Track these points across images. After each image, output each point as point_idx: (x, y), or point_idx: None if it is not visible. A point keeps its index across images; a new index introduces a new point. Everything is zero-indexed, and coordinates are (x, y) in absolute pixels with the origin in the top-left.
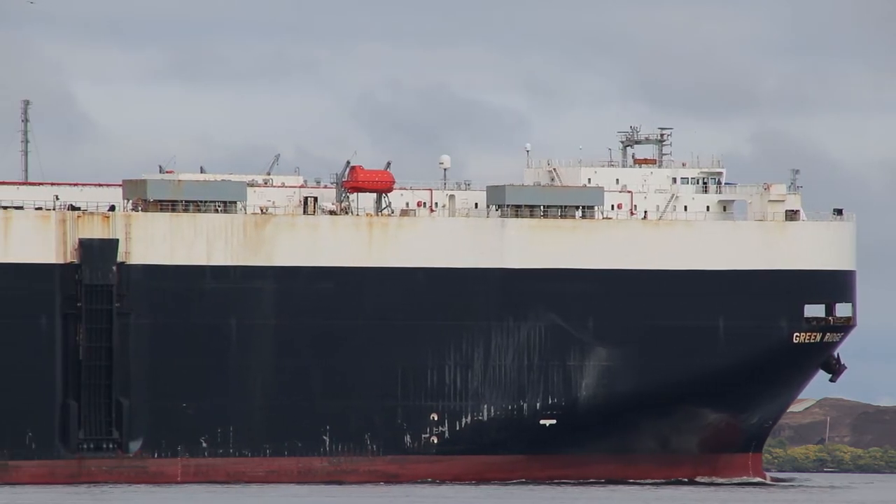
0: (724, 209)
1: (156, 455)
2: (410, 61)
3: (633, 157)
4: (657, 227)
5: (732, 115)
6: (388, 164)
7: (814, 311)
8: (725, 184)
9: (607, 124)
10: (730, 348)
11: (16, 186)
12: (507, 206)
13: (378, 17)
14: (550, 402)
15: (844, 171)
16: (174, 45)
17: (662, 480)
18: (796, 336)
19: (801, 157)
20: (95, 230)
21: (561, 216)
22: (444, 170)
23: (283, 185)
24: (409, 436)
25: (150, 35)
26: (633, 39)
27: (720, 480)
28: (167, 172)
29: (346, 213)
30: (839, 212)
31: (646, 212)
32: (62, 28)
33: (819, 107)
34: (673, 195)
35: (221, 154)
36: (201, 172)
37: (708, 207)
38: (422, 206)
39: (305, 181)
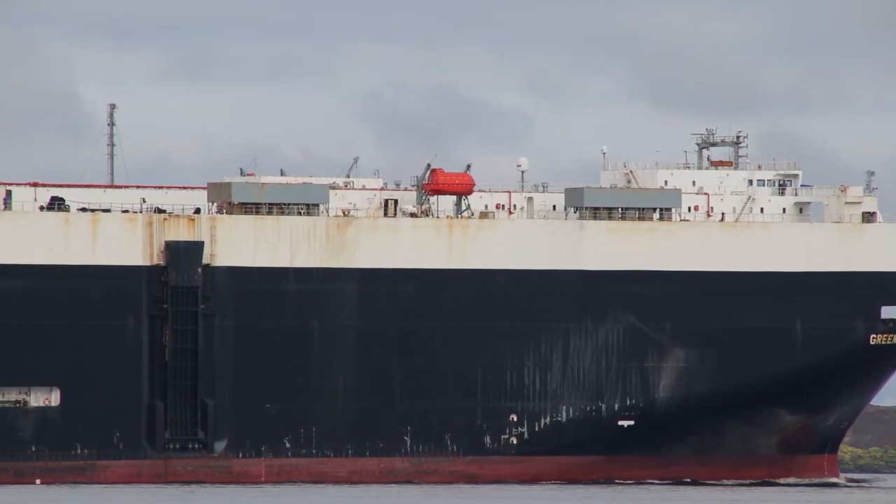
0: (801, 211)
1: (240, 455)
2: (414, 61)
3: (708, 158)
4: (734, 229)
5: (737, 114)
6: (469, 166)
7: (891, 312)
8: (801, 186)
9: (611, 124)
10: (806, 350)
11: (102, 189)
12: (586, 208)
13: (380, 17)
14: (628, 403)
15: (848, 172)
16: (177, 46)
17: (741, 481)
18: (873, 338)
19: (806, 156)
20: (181, 232)
21: (639, 218)
22: (522, 172)
23: (363, 188)
24: (488, 436)
25: (154, 35)
26: (637, 39)
27: (800, 481)
28: (248, 175)
29: (427, 215)
30: None
31: (723, 214)
32: (67, 28)
33: (825, 107)
34: (749, 197)
35: (225, 154)
36: (281, 175)
37: (784, 209)
38: (500, 209)
39: (385, 184)
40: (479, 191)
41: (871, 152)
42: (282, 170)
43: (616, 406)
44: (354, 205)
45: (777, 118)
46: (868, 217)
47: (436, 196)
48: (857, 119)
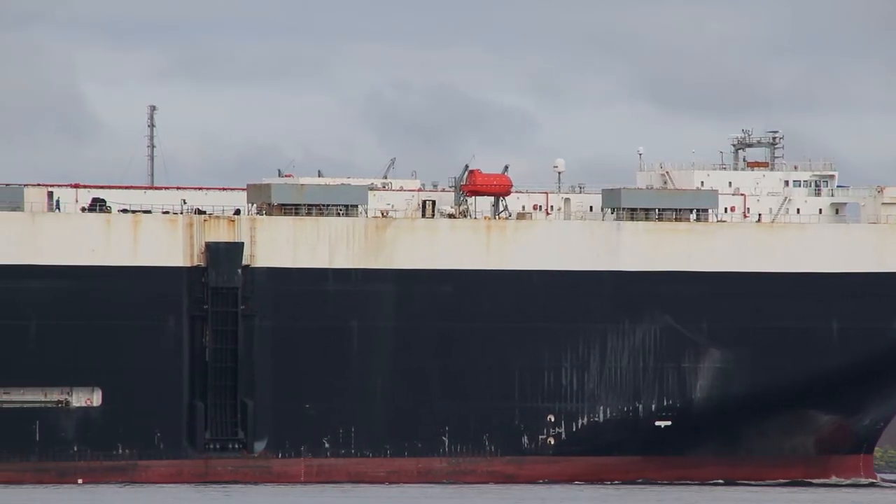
0: (837, 212)
1: (279, 455)
2: (415, 61)
3: (744, 160)
4: (771, 230)
5: (740, 114)
6: (506, 167)
7: None
8: (838, 186)
9: (612, 124)
10: (843, 350)
11: (143, 191)
12: (623, 209)
13: (381, 17)
14: (665, 403)
15: (853, 171)
16: (178, 46)
17: (776, 482)
18: None
19: (809, 156)
20: (221, 234)
21: (675, 219)
22: (559, 173)
23: (401, 189)
24: (526, 437)
25: (154, 35)
26: (638, 39)
27: (838, 482)
28: (286, 176)
29: (465, 216)
30: None
31: (759, 215)
32: (68, 28)
33: (828, 106)
34: (785, 198)
35: (227, 154)
36: (319, 176)
37: (820, 210)
38: (537, 210)
39: (423, 185)
40: (517, 191)
41: (872, 152)
42: (319, 171)
43: (653, 406)
44: (392, 206)
45: (778, 118)
46: None
47: (473, 197)
48: (858, 119)
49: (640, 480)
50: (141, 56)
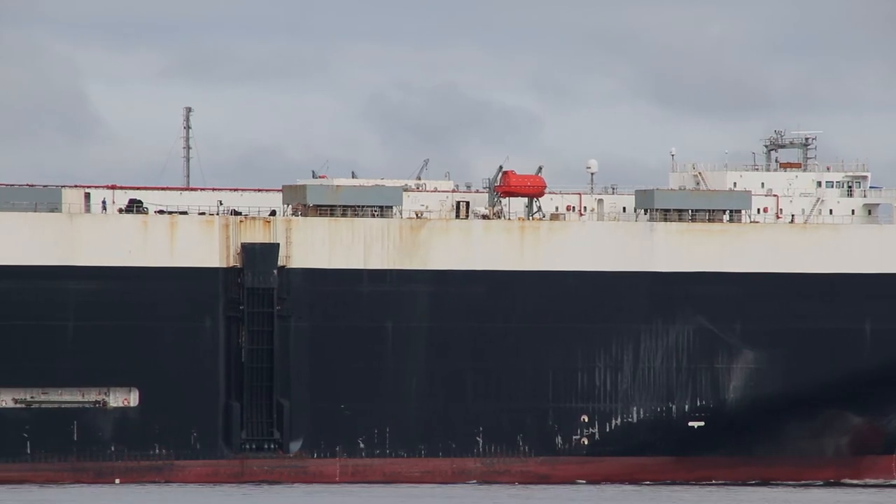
0: (870, 213)
1: (315, 455)
2: (417, 62)
3: (776, 160)
4: (803, 231)
5: (743, 114)
6: (540, 168)
7: None
8: (870, 187)
9: (615, 124)
10: (876, 351)
11: (178, 192)
12: (656, 209)
13: (383, 17)
14: (698, 404)
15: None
16: (180, 45)
17: (809, 482)
18: None
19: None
20: (257, 235)
21: (708, 220)
22: (592, 174)
23: (435, 190)
24: (559, 437)
25: (156, 35)
26: (640, 39)
27: (869, 482)
28: (320, 177)
29: (498, 217)
30: None
31: (792, 215)
32: (70, 28)
33: (829, 106)
34: (818, 199)
35: (229, 154)
36: (352, 177)
37: (853, 211)
38: (571, 210)
39: (457, 186)
40: (550, 192)
41: (874, 152)
42: (353, 172)
43: (686, 407)
44: (427, 207)
45: (781, 118)
46: None
47: (507, 198)
48: (860, 119)
49: (672, 481)
50: (143, 56)
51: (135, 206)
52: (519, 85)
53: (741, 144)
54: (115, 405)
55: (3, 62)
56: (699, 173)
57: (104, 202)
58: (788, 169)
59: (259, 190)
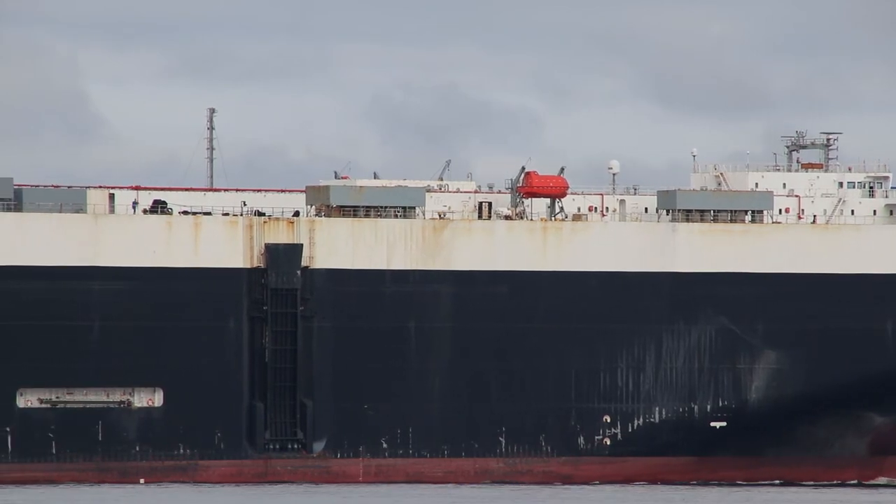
0: (892, 213)
1: (338, 455)
2: (418, 62)
3: (797, 160)
4: (825, 231)
5: (745, 114)
6: (562, 169)
7: None
8: (892, 188)
9: (618, 124)
10: None
11: (202, 193)
12: (678, 210)
13: (384, 18)
14: (721, 404)
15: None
16: (182, 45)
17: (831, 483)
18: None
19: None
20: (280, 235)
21: (730, 220)
22: (613, 175)
23: (458, 191)
24: (582, 437)
25: (158, 35)
26: (642, 39)
27: (891, 482)
28: (342, 178)
29: (521, 217)
30: None
31: (814, 216)
32: (71, 28)
33: (833, 106)
34: (840, 199)
35: (231, 154)
36: (374, 178)
37: (875, 211)
38: (593, 211)
39: (479, 186)
40: (572, 193)
41: (877, 152)
42: (375, 173)
43: (708, 407)
44: (449, 207)
45: (781, 118)
46: None
47: (530, 198)
48: (862, 119)
49: (694, 481)
50: (144, 56)
51: (159, 207)
52: (520, 85)
53: (742, 144)
54: (139, 405)
55: (3, 62)
56: (721, 174)
57: (134, 203)
58: (810, 169)
59: (282, 191)
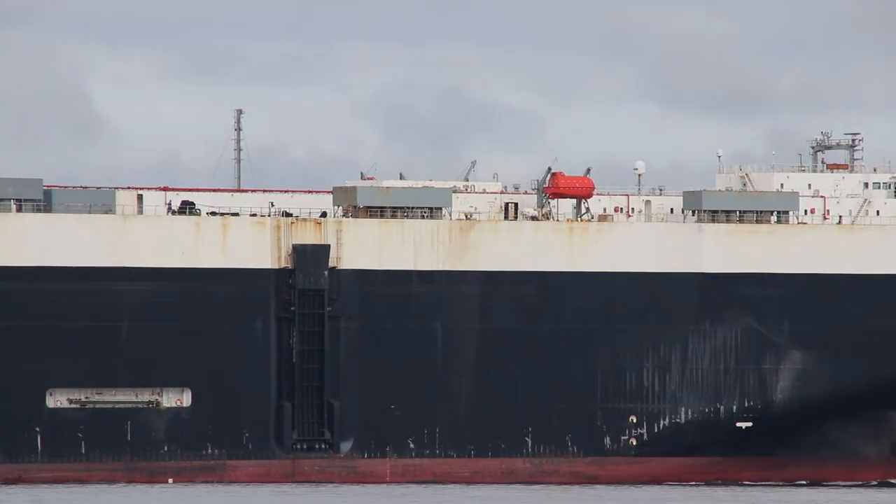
0: None
1: (365, 455)
2: (420, 62)
3: (822, 161)
4: (851, 232)
5: (748, 114)
6: (588, 170)
7: None
8: None
9: (621, 124)
10: None
11: (230, 193)
12: (704, 210)
13: (385, 18)
14: (746, 404)
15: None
16: (185, 45)
17: (856, 483)
18: None
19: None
20: (308, 236)
21: (756, 221)
22: (639, 175)
23: (484, 192)
24: (608, 437)
25: (161, 35)
26: (645, 39)
27: None
28: (368, 179)
29: (547, 218)
30: None
31: (840, 216)
32: (74, 28)
33: (837, 106)
34: (865, 200)
35: (232, 154)
36: (400, 179)
37: None
38: (619, 212)
39: (505, 187)
40: (598, 194)
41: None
42: (401, 174)
43: (734, 408)
44: (475, 208)
45: (786, 117)
46: None
47: (556, 199)
48: (865, 119)
49: (720, 482)
50: (146, 56)
51: (187, 208)
52: (523, 85)
53: (743, 145)
54: (168, 405)
55: (7, 62)
56: (746, 174)
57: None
58: (835, 170)
59: (309, 191)
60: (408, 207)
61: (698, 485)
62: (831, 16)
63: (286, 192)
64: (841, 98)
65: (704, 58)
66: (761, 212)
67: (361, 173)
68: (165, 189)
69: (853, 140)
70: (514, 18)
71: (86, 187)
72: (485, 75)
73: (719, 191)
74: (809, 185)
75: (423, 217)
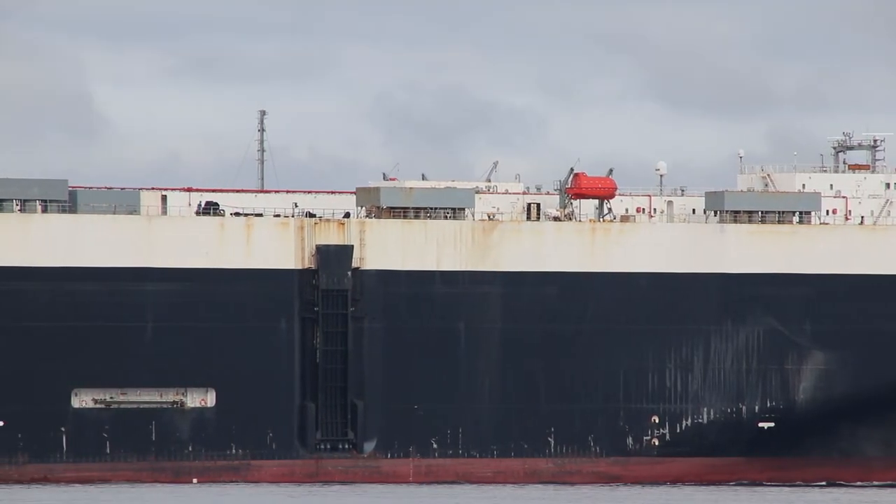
0: None
1: (388, 455)
2: (422, 62)
3: (843, 161)
4: (874, 232)
5: (748, 114)
6: (611, 170)
7: None
8: None
9: (623, 124)
10: None
11: (253, 194)
12: (726, 211)
13: (386, 18)
14: (769, 405)
15: None
16: (185, 45)
17: (878, 483)
18: None
19: (817, 155)
20: (331, 237)
21: (778, 221)
22: (661, 176)
23: (506, 192)
24: (630, 438)
25: (162, 35)
26: (646, 39)
27: None
28: (390, 179)
29: (569, 219)
30: None
31: (861, 217)
32: (75, 28)
33: (837, 106)
34: (887, 200)
35: (234, 154)
36: (423, 179)
37: None
38: (641, 212)
39: (527, 188)
40: (620, 194)
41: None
42: (423, 174)
43: (756, 408)
44: (498, 209)
45: (787, 117)
46: None
47: (578, 200)
48: (865, 119)
49: (743, 481)
50: (147, 56)
51: (211, 209)
52: (525, 85)
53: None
54: (192, 406)
55: (7, 62)
56: (767, 175)
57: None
58: (857, 171)
59: (332, 192)
60: (431, 208)
61: (720, 485)
62: (833, 17)
63: (309, 192)
64: (841, 98)
65: (706, 58)
66: (783, 212)
67: (384, 174)
68: (189, 189)
69: (875, 141)
70: (514, 18)
71: (110, 188)
72: (486, 75)
73: (741, 191)
74: (831, 185)
75: (445, 218)
